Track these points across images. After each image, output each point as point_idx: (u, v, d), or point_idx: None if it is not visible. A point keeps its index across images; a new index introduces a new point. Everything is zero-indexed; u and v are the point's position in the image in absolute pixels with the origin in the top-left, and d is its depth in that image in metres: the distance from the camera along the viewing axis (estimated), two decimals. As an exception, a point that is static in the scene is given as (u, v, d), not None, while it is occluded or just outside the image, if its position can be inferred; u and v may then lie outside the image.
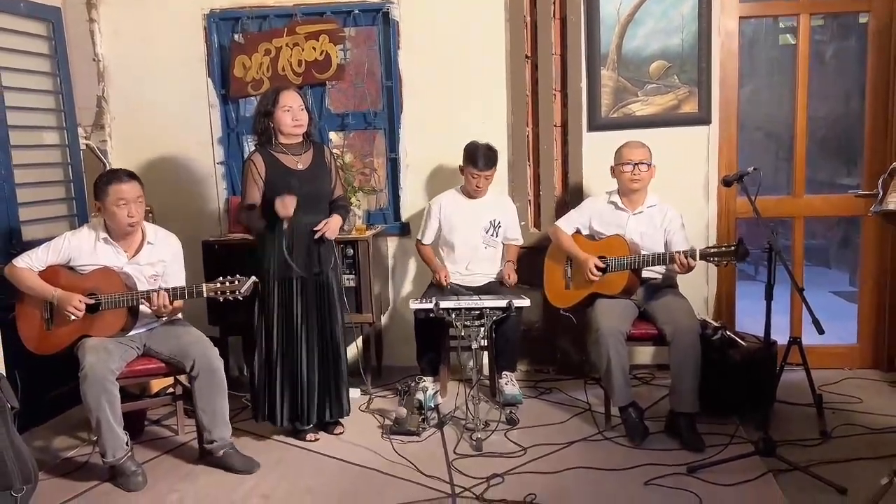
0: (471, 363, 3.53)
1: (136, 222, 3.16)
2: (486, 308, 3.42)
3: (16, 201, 3.79)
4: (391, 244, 4.49)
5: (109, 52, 4.47)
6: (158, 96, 4.46)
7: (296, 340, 3.37)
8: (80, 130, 4.33)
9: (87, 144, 4.40)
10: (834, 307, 5.94)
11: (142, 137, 4.50)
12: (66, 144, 4.20)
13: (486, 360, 4.05)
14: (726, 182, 3.23)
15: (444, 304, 3.44)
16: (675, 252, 3.28)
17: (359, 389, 4.12)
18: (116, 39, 4.46)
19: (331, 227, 3.36)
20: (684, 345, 3.30)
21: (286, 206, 3.19)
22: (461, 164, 3.92)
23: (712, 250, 3.20)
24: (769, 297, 2.96)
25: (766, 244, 2.93)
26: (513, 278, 3.89)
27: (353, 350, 4.39)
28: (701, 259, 3.23)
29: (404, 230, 4.45)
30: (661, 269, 3.55)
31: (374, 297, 4.06)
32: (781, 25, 7.77)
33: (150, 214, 4.06)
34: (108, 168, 4.41)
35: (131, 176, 3.13)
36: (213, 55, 4.40)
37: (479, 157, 3.82)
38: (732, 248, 3.14)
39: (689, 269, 3.28)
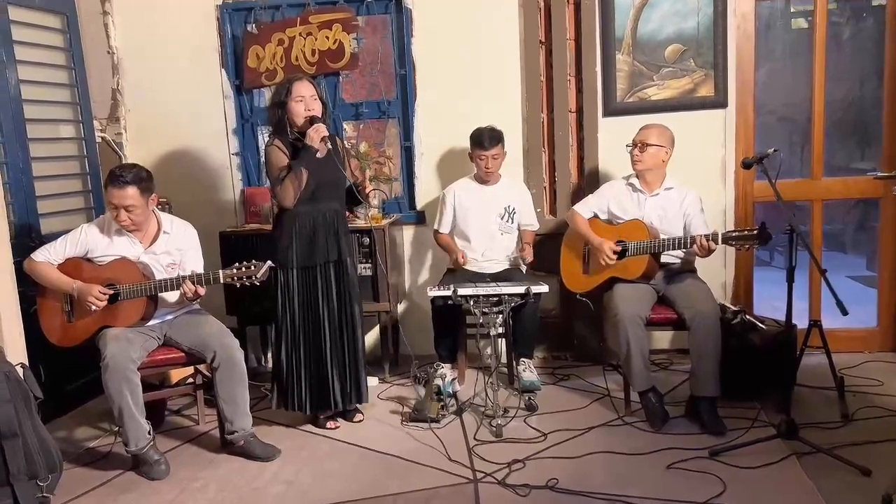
0: (489, 350, 3.53)
1: (128, 226, 3.15)
2: (504, 294, 3.41)
3: (34, 194, 3.80)
4: (406, 233, 4.49)
5: (123, 45, 4.47)
6: (172, 88, 4.46)
7: (318, 328, 3.38)
8: (95, 123, 4.34)
9: (102, 137, 4.41)
10: (852, 292, 5.87)
11: (156, 129, 4.51)
12: (83, 137, 4.22)
13: (503, 347, 4.04)
14: (746, 164, 3.20)
15: (461, 291, 3.43)
16: (697, 235, 3.25)
17: (376, 378, 4.13)
18: (130, 32, 4.46)
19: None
20: (704, 329, 3.28)
21: (318, 130, 3.19)
22: (469, 151, 3.92)
23: (734, 234, 3.17)
24: (790, 279, 2.93)
25: (787, 226, 2.91)
26: (528, 254, 3.87)
27: (369, 339, 4.43)
28: (723, 243, 3.20)
29: (419, 219, 4.44)
30: (679, 253, 3.53)
31: (390, 285, 4.06)
32: (793, 10, 7.72)
33: (168, 206, 4.07)
34: (123, 161, 4.44)
35: (132, 181, 3.07)
36: (226, 46, 4.40)
37: (482, 137, 3.83)
38: (755, 231, 3.11)
39: (710, 252, 3.26)
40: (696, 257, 3.46)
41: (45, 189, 3.90)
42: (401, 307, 4.50)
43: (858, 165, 6.85)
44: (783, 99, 6.35)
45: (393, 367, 4.27)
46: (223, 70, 4.42)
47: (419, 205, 4.45)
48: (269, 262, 3.10)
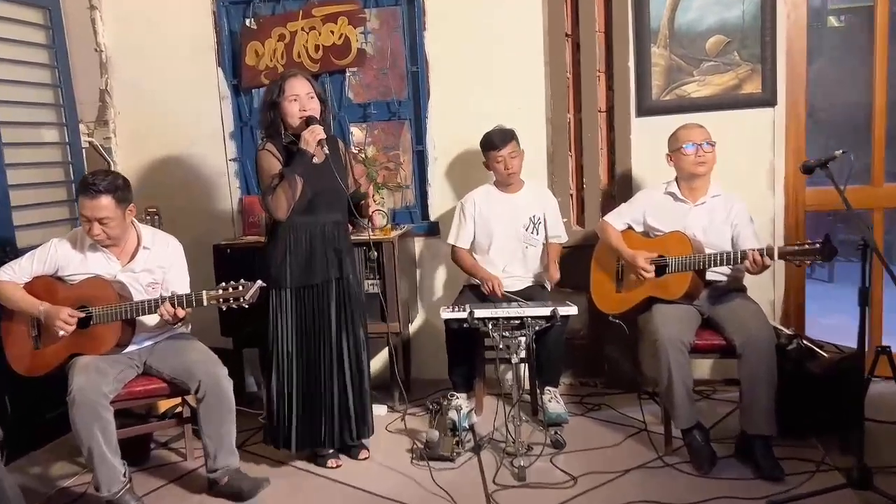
0: (510, 378, 3.13)
1: (102, 241, 2.81)
2: (527, 317, 3.01)
3: (8, 204, 3.47)
4: (418, 245, 4.11)
5: (112, 42, 4.15)
6: (166, 88, 4.14)
7: (315, 354, 3.00)
8: (81, 127, 4.01)
9: (89, 142, 4.09)
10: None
11: (148, 133, 4.18)
12: (66, 142, 3.89)
13: (525, 373, 3.63)
14: (807, 168, 2.77)
15: (479, 313, 3.03)
16: (749, 250, 2.84)
17: (385, 406, 3.74)
18: (120, 28, 4.14)
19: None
20: (758, 357, 2.86)
21: (314, 132, 2.83)
22: (483, 160, 3.56)
23: (794, 248, 2.75)
24: (864, 302, 2.50)
25: (860, 239, 2.49)
26: (554, 273, 3.47)
27: (377, 363, 4.05)
28: (780, 258, 2.79)
29: (433, 230, 4.05)
30: (726, 269, 3.11)
31: (400, 304, 3.68)
32: (832, 7, 7.31)
33: (157, 217, 3.71)
34: (112, 167, 4.10)
35: (106, 190, 2.72)
36: (223, 42, 4.06)
37: (493, 138, 3.49)
38: (817, 245, 2.69)
39: (763, 269, 2.85)
40: (746, 273, 3.05)
41: (23, 199, 3.57)
42: (412, 327, 4.10)
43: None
44: (835, 97, 5.92)
45: (403, 394, 3.87)
46: (220, 69, 4.08)
47: (432, 214, 4.06)
48: (259, 283, 2.73)
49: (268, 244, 3.04)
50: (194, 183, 4.18)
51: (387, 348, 3.89)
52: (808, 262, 2.76)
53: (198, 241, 3.89)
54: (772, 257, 2.80)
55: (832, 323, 4.80)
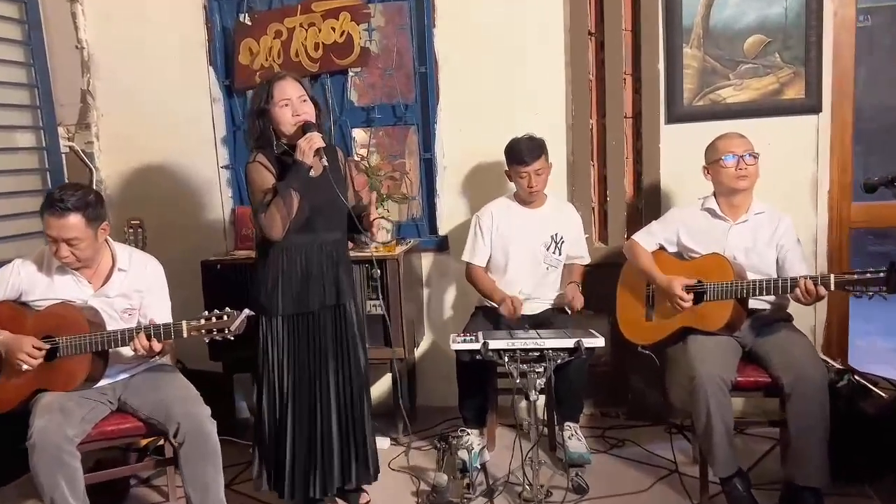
0: (528, 416, 2.81)
1: (71, 263, 2.50)
2: (547, 349, 2.68)
3: (-23, 215, 3.17)
4: (426, 261, 3.78)
5: (95, 38, 3.84)
6: (153, 89, 3.82)
7: (310, 391, 2.67)
8: (61, 130, 3.72)
9: (69, 146, 3.77)
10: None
11: (133, 137, 3.87)
12: (44, 147, 3.59)
13: (543, 404, 3.30)
14: (870, 187, 2.44)
15: (493, 344, 2.70)
16: (801, 278, 2.51)
17: (388, 439, 3.43)
18: (103, 22, 3.82)
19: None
20: (809, 400, 2.54)
21: (311, 141, 2.49)
22: (506, 168, 3.24)
23: (854, 277, 2.43)
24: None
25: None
26: (578, 301, 3.15)
27: (381, 389, 3.74)
28: (836, 288, 2.46)
29: (442, 245, 3.73)
30: (771, 296, 2.78)
31: (405, 326, 3.36)
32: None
33: (140, 229, 3.39)
34: (94, 175, 3.80)
35: (75, 207, 2.42)
36: (215, 39, 3.75)
37: (521, 150, 3.15)
38: (881, 274, 2.37)
39: (818, 300, 2.52)
40: (790, 299, 2.73)
41: (-6, 209, 3.27)
42: (419, 350, 3.78)
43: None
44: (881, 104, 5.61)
45: (408, 424, 3.55)
46: (211, 68, 3.77)
47: (441, 228, 3.74)
48: (246, 311, 2.41)
49: (258, 266, 2.70)
50: (183, 192, 3.87)
51: (390, 375, 3.58)
52: (871, 293, 2.42)
53: (186, 256, 3.60)
54: (827, 287, 2.48)
55: (866, 345, 4.51)
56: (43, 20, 3.58)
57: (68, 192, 2.44)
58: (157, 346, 2.41)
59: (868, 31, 7.15)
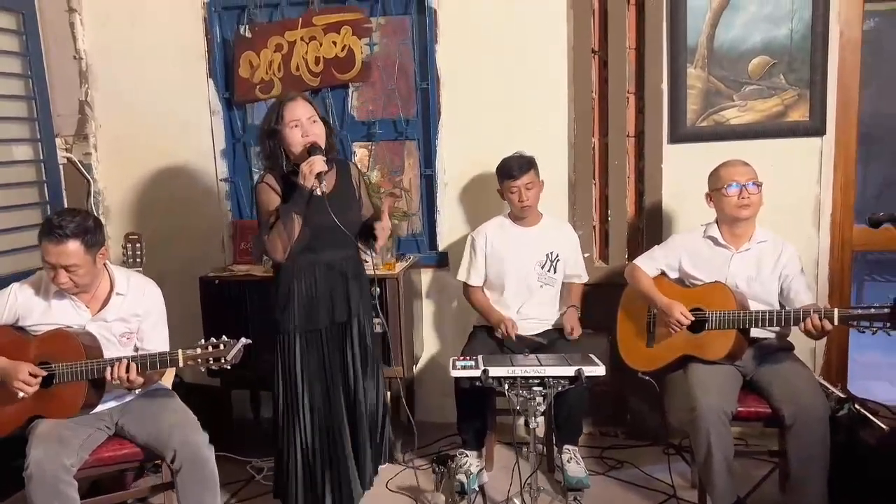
0: (527, 435, 2.81)
1: (69, 289, 2.48)
2: (548, 378, 2.66)
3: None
4: (426, 278, 3.76)
5: (94, 49, 3.79)
6: (151, 100, 3.78)
7: (326, 408, 2.69)
8: (59, 141, 3.66)
9: (67, 158, 3.73)
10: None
11: (132, 149, 3.84)
12: (42, 160, 3.54)
13: (542, 426, 3.29)
14: (874, 222, 2.43)
15: (493, 372, 2.68)
16: (810, 312, 2.49)
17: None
18: (102, 33, 3.78)
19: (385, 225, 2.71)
20: (810, 432, 2.53)
21: (312, 165, 2.48)
22: (498, 188, 3.23)
23: (858, 312, 2.42)
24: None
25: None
26: (576, 331, 3.15)
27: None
28: (840, 323, 2.45)
29: (442, 261, 3.71)
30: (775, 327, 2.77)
31: (405, 345, 3.34)
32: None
33: (139, 244, 3.36)
34: (92, 186, 3.77)
35: (74, 234, 2.39)
36: (214, 51, 3.70)
37: (510, 164, 3.15)
38: (886, 309, 2.36)
39: (824, 334, 2.51)
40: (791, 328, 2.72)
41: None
42: (418, 366, 3.76)
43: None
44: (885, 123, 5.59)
45: (406, 442, 3.55)
46: (211, 80, 3.73)
47: (441, 244, 3.71)
48: (243, 341, 2.40)
49: (273, 283, 2.73)
50: (181, 204, 3.84)
51: (388, 394, 3.56)
52: (875, 329, 2.41)
53: (184, 268, 3.61)
54: (831, 321, 2.47)
55: (868, 361, 4.50)
56: (41, 31, 3.53)
57: (67, 219, 2.41)
58: (136, 379, 2.40)
59: (872, 35, 7.12)
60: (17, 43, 3.46)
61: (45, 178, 3.56)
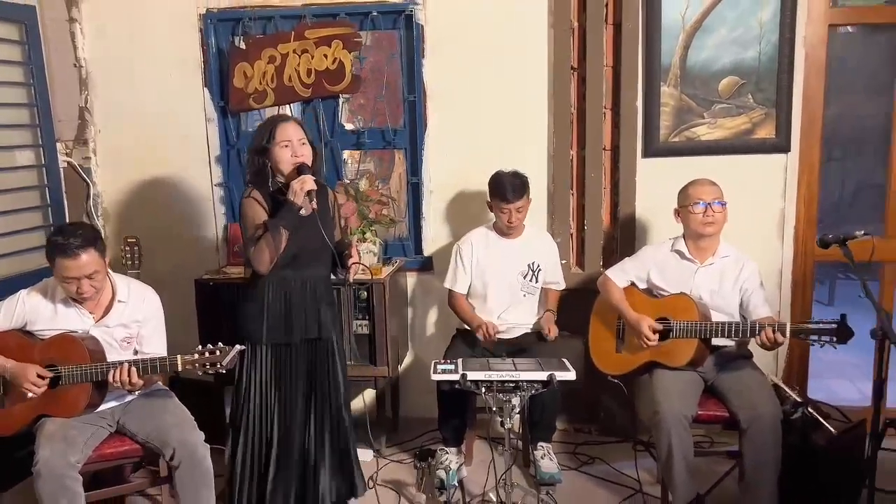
0: (502, 437, 3.00)
1: (89, 298, 2.64)
2: (522, 382, 2.85)
3: (-22, 235, 3.29)
4: (411, 281, 3.94)
5: (93, 57, 3.92)
6: (149, 107, 3.91)
7: (292, 416, 2.85)
8: (59, 146, 3.79)
9: (67, 162, 3.86)
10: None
11: (130, 154, 3.97)
12: (43, 165, 3.68)
13: (518, 425, 3.48)
14: (824, 243, 2.62)
15: (472, 376, 2.87)
16: (761, 325, 2.69)
17: (371, 451, 3.60)
18: (101, 42, 3.90)
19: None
20: (763, 435, 2.74)
21: (304, 183, 2.65)
22: (488, 199, 3.37)
23: (808, 326, 2.62)
24: (878, 395, 2.37)
25: (877, 330, 2.35)
26: (553, 332, 3.32)
27: (366, 404, 3.92)
28: (792, 336, 2.66)
29: (426, 265, 3.89)
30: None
31: (390, 345, 3.52)
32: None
33: (136, 247, 3.52)
34: (91, 189, 3.92)
35: (85, 244, 2.54)
36: (210, 61, 3.83)
37: (506, 187, 3.25)
38: (832, 325, 2.56)
39: (776, 346, 2.71)
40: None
41: (-5, 227, 3.39)
42: (402, 365, 3.95)
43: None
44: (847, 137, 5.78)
45: (391, 436, 3.74)
46: (206, 89, 3.86)
47: (426, 249, 3.88)
48: (238, 347, 2.59)
49: (247, 295, 2.87)
50: (177, 208, 3.98)
51: (374, 392, 3.75)
52: (822, 343, 2.61)
53: (179, 269, 3.75)
54: (783, 334, 2.66)
55: (832, 360, 4.68)
56: (43, 40, 3.64)
57: (71, 233, 2.54)
58: (136, 381, 2.57)
59: (851, 38, 7.28)
60: (19, 52, 3.57)
61: (46, 182, 3.69)
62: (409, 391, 3.96)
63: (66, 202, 3.81)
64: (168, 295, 2.97)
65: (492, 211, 3.38)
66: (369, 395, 3.91)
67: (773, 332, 2.67)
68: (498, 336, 3.32)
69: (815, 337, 2.61)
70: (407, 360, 3.98)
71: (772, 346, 2.71)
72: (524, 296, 3.41)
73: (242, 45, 3.79)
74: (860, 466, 2.82)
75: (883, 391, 2.39)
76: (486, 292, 3.40)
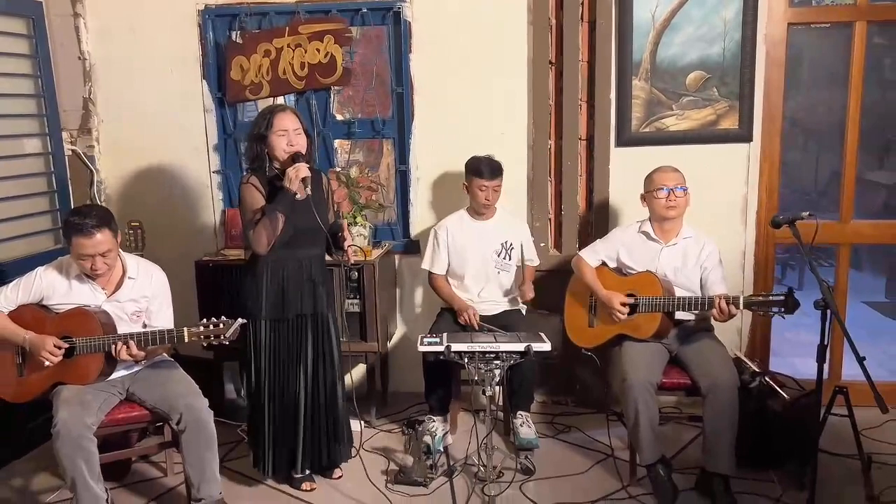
0: (485, 398, 3.25)
1: (102, 275, 2.85)
2: (502, 352, 3.10)
3: (-10, 218, 3.49)
4: (399, 262, 4.17)
5: (96, 50, 4.11)
6: (150, 98, 4.12)
7: (289, 385, 3.10)
8: (64, 135, 4.00)
9: (72, 150, 4.07)
10: (869, 322, 5.58)
11: (131, 142, 4.17)
12: (50, 152, 3.88)
13: (500, 395, 3.73)
14: (776, 224, 2.87)
15: (455, 347, 3.11)
16: (716, 297, 2.95)
17: (360, 421, 3.83)
18: (104, 36, 4.10)
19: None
20: (721, 401, 2.99)
21: (298, 170, 2.86)
22: (464, 181, 3.61)
23: (758, 299, 2.88)
24: (822, 359, 2.63)
25: (820, 300, 2.60)
26: (528, 293, 3.55)
27: (356, 377, 4.14)
28: (745, 308, 2.91)
29: (413, 248, 4.12)
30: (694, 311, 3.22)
31: (379, 322, 3.76)
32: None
33: (140, 231, 3.75)
34: (95, 176, 4.12)
35: (100, 223, 2.75)
36: (208, 55, 4.04)
37: (482, 167, 3.53)
38: (781, 297, 2.81)
39: (730, 317, 2.96)
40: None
41: (4, 211, 3.58)
42: (392, 341, 4.19)
43: (873, 177, 6.48)
44: (810, 127, 6.03)
45: (381, 407, 3.98)
46: (204, 81, 4.07)
47: (413, 233, 4.12)
48: (239, 320, 2.80)
49: (247, 275, 3.10)
50: (178, 194, 4.19)
51: (365, 366, 3.97)
52: (772, 313, 2.87)
53: (180, 253, 3.95)
54: (737, 306, 2.92)
55: (799, 339, 4.95)
56: (49, 34, 3.84)
57: (87, 214, 2.76)
58: (137, 353, 2.79)
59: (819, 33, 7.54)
60: (27, 46, 3.77)
61: (52, 169, 3.90)
62: (397, 366, 4.20)
63: (70, 188, 4.01)
64: (169, 276, 3.15)
65: (468, 192, 3.62)
66: (361, 370, 4.14)
67: (728, 304, 2.92)
68: (479, 312, 3.58)
69: (767, 308, 2.86)
70: (396, 337, 4.21)
71: (726, 317, 2.96)
72: (498, 273, 3.65)
73: (239, 40, 4.00)
74: (812, 432, 3.09)
75: (825, 355, 2.62)
76: (465, 271, 3.64)
